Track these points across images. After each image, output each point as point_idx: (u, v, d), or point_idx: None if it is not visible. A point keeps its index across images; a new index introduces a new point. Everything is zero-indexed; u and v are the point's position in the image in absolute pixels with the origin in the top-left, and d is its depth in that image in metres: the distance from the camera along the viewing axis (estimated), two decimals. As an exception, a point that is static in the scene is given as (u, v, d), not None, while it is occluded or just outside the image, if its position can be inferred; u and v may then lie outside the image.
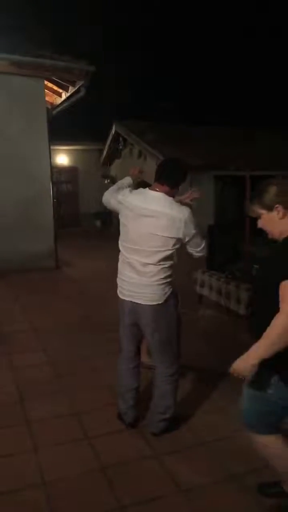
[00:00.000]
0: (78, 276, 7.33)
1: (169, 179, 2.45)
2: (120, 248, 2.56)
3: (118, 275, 2.60)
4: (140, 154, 11.60)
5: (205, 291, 5.28)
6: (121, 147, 13.05)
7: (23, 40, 7.31)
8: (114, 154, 13.80)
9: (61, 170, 13.96)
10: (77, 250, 9.65)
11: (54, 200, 8.16)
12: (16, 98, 7.35)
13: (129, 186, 2.72)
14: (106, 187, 11.36)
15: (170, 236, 2.38)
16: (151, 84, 18.19)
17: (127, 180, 2.80)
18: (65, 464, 2.39)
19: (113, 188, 2.73)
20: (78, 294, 6.19)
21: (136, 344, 2.70)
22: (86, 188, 14.32)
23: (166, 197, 2.41)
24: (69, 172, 14.34)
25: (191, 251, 2.51)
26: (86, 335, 4.39)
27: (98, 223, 13.86)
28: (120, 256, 2.58)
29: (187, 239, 2.42)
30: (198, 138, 11.72)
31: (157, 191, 2.43)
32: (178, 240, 2.42)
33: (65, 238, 9.46)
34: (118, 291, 2.61)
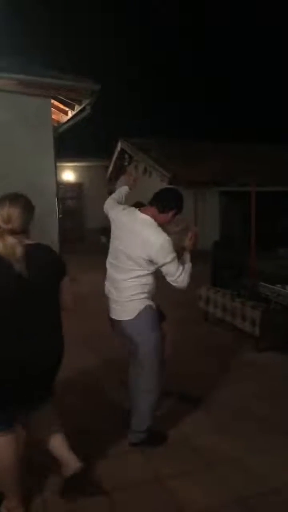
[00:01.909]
0: (83, 292, 7.31)
1: (158, 203, 2.53)
2: (107, 264, 2.68)
3: (105, 291, 2.72)
4: (145, 171, 11.70)
5: (210, 308, 5.24)
6: (126, 163, 13.18)
7: (29, 59, 7.47)
8: (119, 171, 13.93)
9: (67, 186, 14.09)
10: (81, 266, 9.65)
11: (60, 216, 8.20)
12: (23, 116, 7.47)
13: (125, 195, 2.92)
14: (111, 204, 11.01)
15: (141, 256, 2.43)
16: (155, 99, 18.46)
17: (125, 189, 2.96)
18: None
19: (113, 197, 2.87)
20: (83, 309, 6.15)
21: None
22: (91, 204, 14.41)
23: (150, 220, 2.48)
24: (75, 188, 14.48)
25: (167, 279, 2.51)
26: (86, 352, 4.36)
27: (103, 238, 13.89)
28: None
29: (158, 265, 2.45)
30: (204, 153, 11.80)
31: (145, 213, 2.51)
32: (149, 263, 2.45)
33: (70, 253, 9.45)
34: (109, 311, 2.69)
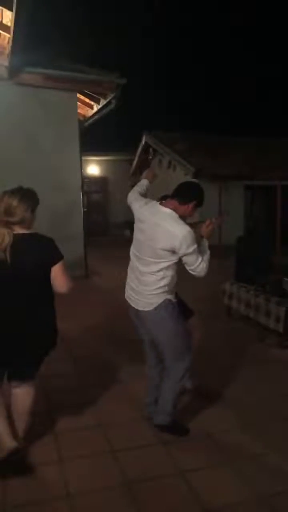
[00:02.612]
0: (107, 286, 7.37)
1: (179, 195, 2.58)
2: (130, 253, 2.75)
3: (127, 279, 2.77)
4: (169, 164, 11.64)
5: (233, 303, 5.20)
6: (150, 157, 13.15)
7: (55, 54, 7.52)
8: (143, 165, 13.91)
9: (92, 180, 14.19)
10: (106, 259, 9.73)
11: (85, 209, 8.28)
12: (50, 110, 7.55)
13: (147, 187, 3.01)
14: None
15: (164, 248, 2.48)
16: (180, 94, 18.29)
17: (145, 182, 3.05)
18: (90, 477, 2.39)
19: (136, 190, 2.95)
20: (106, 303, 6.21)
21: (153, 343, 2.76)
22: (115, 197, 14.49)
23: (172, 213, 2.53)
24: (100, 182, 14.57)
25: (187, 268, 2.57)
26: (115, 346, 4.40)
27: (127, 232, 13.95)
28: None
29: (179, 255, 2.50)
30: (228, 148, 11.64)
31: (166, 206, 2.56)
32: (172, 254, 2.50)
33: (94, 247, 9.56)
34: (125, 295, 2.78)
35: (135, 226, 2.72)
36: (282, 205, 9.43)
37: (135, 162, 14.02)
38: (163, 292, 2.57)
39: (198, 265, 2.52)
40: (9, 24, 6.13)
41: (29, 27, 5.38)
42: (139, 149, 13.44)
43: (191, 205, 2.57)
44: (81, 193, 8.01)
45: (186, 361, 2.65)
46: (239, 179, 10.26)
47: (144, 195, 2.93)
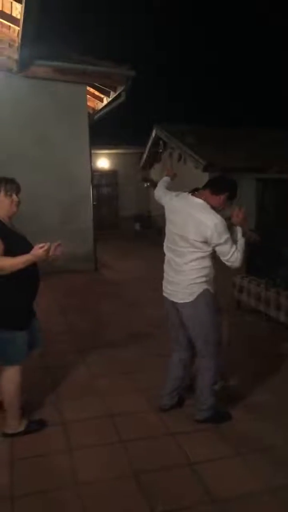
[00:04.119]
0: (117, 279, 7.39)
1: (211, 185, 2.60)
2: (164, 249, 2.75)
3: (164, 275, 2.78)
4: (180, 158, 11.55)
5: (243, 297, 5.16)
6: (161, 150, 13.06)
7: (65, 47, 7.49)
8: (153, 158, 13.83)
9: (102, 173, 14.15)
10: (115, 253, 9.74)
11: (94, 203, 8.28)
12: (59, 103, 7.54)
13: (169, 184, 3.11)
14: (145, 191, 11.56)
15: (196, 239, 2.50)
16: (190, 86, 18.12)
17: (167, 179, 3.19)
18: (99, 467, 2.40)
19: (161, 185, 3.05)
20: (117, 296, 6.23)
21: (184, 337, 2.77)
22: (125, 191, 14.44)
23: (204, 204, 2.54)
24: (109, 175, 14.52)
25: (221, 258, 2.57)
26: (122, 337, 4.41)
27: (137, 226, 13.93)
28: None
29: (212, 245, 2.50)
30: (239, 140, 11.50)
31: (198, 197, 2.58)
32: (205, 244, 2.51)
33: (104, 240, 9.57)
34: (163, 291, 2.79)
35: (167, 218, 2.73)
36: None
37: (145, 155, 13.93)
38: (203, 282, 2.58)
39: (232, 255, 2.51)
40: (18, 16, 6.11)
41: (39, 20, 5.36)
42: (149, 142, 13.34)
43: (223, 196, 2.57)
44: (90, 187, 8.00)
45: (216, 357, 2.68)
46: (250, 172, 10.13)
47: (170, 189, 2.98)
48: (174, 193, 2.78)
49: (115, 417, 2.88)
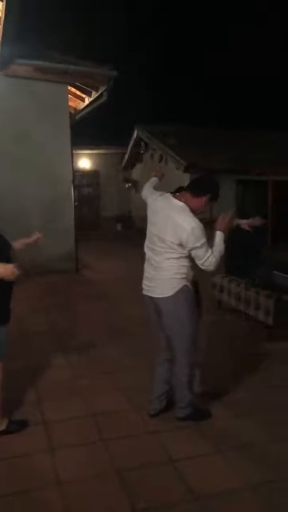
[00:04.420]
0: (98, 279, 7.39)
1: (192, 187, 2.61)
2: (144, 248, 2.78)
3: (144, 274, 2.79)
4: (161, 158, 11.62)
5: (224, 297, 5.24)
6: (142, 151, 13.11)
7: (46, 46, 7.45)
8: (135, 158, 13.87)
9: (83, 173, 14.10)
10: (97, 253, 9.73)
11: (76, 203, 8.24)
12: (40, 103, 7.48)
13: (156, 184, 3.13)
14: (127, 191, 11.56)
15: (173, 241, 2.53)
16: (172, 87, 18.22)
17: (155, 179, 3.20)
18: (81, 465, 2.41)
19: (149, 185, 3.06)
20: (98, 296, 6.23)
21: (165, 336, 2.78)
22: (107, 191, 14.43)
23: (183, 206, 2.56)
24: (91, 175, 14.48)
25: (196, 261, 2.59)
26: (104, 337, 4.42)
27: (118, 226, 13.94)
28: None
29: (188, 248, 2.52)
30: (220, 142, 11.64)
31: (178, 198, 2.60)
32: (181, 247, 2.53)
33: (85, 241, 9.54)
34: (143, 289, 2.79)
35: (149, 219, 2.75)
36: (274, 201, 9.50)
37: (126, 156, 13.96)
38: (182, 278, 2.61)
39: (206, 260, 2.52)
40: (-1, 14, 6.05)
41: (20, 19, 5.32)
42: (131, 143, 13.38)
43: (204, 199, 2.58)
44: (72, 186, 7.97)
45: (194, 353, 2.70)
46: (230, 173, 10.27)
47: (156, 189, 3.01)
48: (159, 193, 2.79)
49: (97, 417, 2.89)
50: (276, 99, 17.87)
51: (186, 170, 9.93)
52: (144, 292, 2.77)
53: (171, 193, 2.71)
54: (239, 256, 5.48)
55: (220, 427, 2.78)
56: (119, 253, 9.97)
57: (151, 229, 2.70)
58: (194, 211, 2.56)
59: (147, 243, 2.76)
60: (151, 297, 2.71)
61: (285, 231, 9.11)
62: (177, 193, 2.67)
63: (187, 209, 2.54)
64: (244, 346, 4.23)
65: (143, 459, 2.46)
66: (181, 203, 2.56)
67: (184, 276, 2.61)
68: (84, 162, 14.39)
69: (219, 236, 2.60)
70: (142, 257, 2.83)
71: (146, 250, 2.77)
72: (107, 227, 13.85)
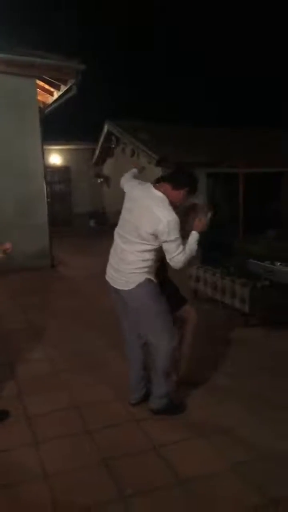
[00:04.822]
0: (73, 275, 7.33)
1: (172, 180, 2.60)
2: (114, 234, 2.73)
3: (109, 259, 2.77)
4: (133, 153, 11.61)
5: (200, 286, 5.31)
6: (113, 146, 13.05)
7: (14, 39, 7.28)
8: (106, 153, 13.80)
9: (54, 170, 13.92)
10: (71, 250, 9.65)
11: (48, 200, 8.14)
12: (8, 97, 7.33)
13: (136, 176, 3.02)
14: (99, 187, 11.55)
15: (147, 231, 2.51)
16: (143, 83, 18.21)
17: (135, 170, 3.09)
18: (67, 457, 2.40)
19: (128, 174, 2.97)
20: (74, 292, 6.19)
21: (132, 321, 2.77)
22: (79, 187, 14.31)
23: (163, 198, 2.54)
24: (62, 172, 14.32)
25: (166, 256, 2.56)
26: (83, 331, 4.40)
27: (92, 222, 13.85)
28: None
29: (160, 240, 2.50)
30: (190, 137, 11.75)
31: (158, 189, 2.58)
32: (154, 238, 2.51)
33: (58, 238, 9.43)
34: (106, 276, 2.76)
35: (124, 206, 2.71)
36: (244, 193, 9.66)
37: (97, 151, 13.87)
38: (144, 272, 2.58)
39: (176, 255, 2.50)
40: None
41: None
42: (101, 138, 13.31)
43: (183, 192, 2.58)
44: (44, 182, 7.86)
45: (168, 340, 2.61)
46: (201, 167, 10.37)
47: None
48: (138, 181, 2.77)
49: (80, 408, 2.89)
50: (255, 96, 18.14)
51: (158, 164, 9.97)
52: (107, 279, 2.75)
53: (151, 183, 2.69)
54: (213, 247, 5.58)
55: (202, 414, 2.82)
56: (93, 249, 9.90)
57: (125, 216, 2.66)
58: (172, 204, 2.55)
59: (118, 230, 2.71)
60: (115, 287, 2.69)
61: (256, 224, 9.32)
62: (157, 184, 2.65)
63: (167, 201, 2.53)
64: (221, 333, 4.30)
65: (127, 447, 2.48)
66: (161, 194, 2.54)
67: (146, 270, 2.59)
68: (55, 158, 14.20)
69: (194, 236, 2.59)
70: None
71: (115, 236, 2.72)
72: (80, 223, 13.75)
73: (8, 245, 2.87)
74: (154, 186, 2.62)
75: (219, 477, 2.23)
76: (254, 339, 4.12)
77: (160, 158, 9.99)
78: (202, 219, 2.64)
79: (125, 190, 2.79)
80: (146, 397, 2.87)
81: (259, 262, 4.61)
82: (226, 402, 2.95)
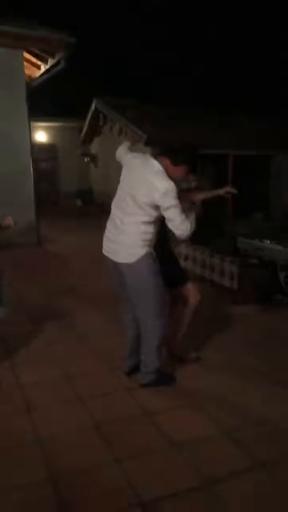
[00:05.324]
0: (61, 252, 7.29)
1: (172, 155, 2.54)
2: (112, 205, 2.69)
3: (105, 232, 2.72)
4: (121, 131, 11.46)
5: (189, 265, 5.34)
6: (101, 124, 12.85)
7: (1, 10, 7.02)
8: (94, 132, 13.58)
9: (40, 147, 13.65)
10: (58, 228, 9.55)
11: (35, 176, 8.00)
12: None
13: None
14: (87, 166, 11.37)
15: (145, 201, 2.48)
16: (132, 61, 17.87)
17: (128, 143, 2.99)
18: (59, 423, 2.43)
19: (124, 147, 2.90)
20: (63, 268, 6.16)
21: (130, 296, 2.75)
22: (65, 166, 14.09)
23: (162, 171, 2.49)
24: (48, 149, 14.05)
25: (169, 225, 2.54)
26: (73, 305, 4.41)
27: (79, 202, 13.71)
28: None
29: (161, 208, 2.47)
30: (178, 117, 11.62)
31: (159, 162, 2.53)
32: (153, 208, 2.49)
33: (45, 217, 9.31)
34: (103, 248, 2.73)
35: (122, 175, 2.66)
36: (233, 175, 9.67)
37: (85, 129, 13.63)
38: (145, 245, 2.56)
39: (181, 222, 2.46)
40: None
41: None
42: (89, 116, 13.06)
43: (183, 168, 2.56)
44: (31, 159, 7.71)
45: (161, 319, 2.64)
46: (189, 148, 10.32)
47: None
48: (136, 153, 2.71)
49: (73, 378, 2.91)
50: (231, 79, 17.97)
51: (147, 143, 9.87)
52: (105, 253, 2.70)
53: (151, 155, 2.64)
54: (202, 228, 5.59)
55: (194, 383, 2.87)
56: (80, 228, 9.84)
57: (124, 186, 2.62)
58: (172, 178, 2.50)
59: (115, 201, 2.66)
60: (113, 261, 2.65)
61: (243, 207, 9.35)
62: (158, 157, 2.58)
63: (165, 173, 2.49)
64: (211, 310, 4.34)
65: (120, 414, 2.52)
66: (161, 168, 2.50)
67: (147, 243, 2.57)
68: (41, 136, 13.92)
69: (191, 214, 2.61)
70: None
71: (113, 207, 2.66)
72: (67, 202, 13.59)
73: (9, 220, 2.82)
74: (154, 159, 2.56)
75: (211, 442, 2.29)
76: (243, 316, 4.18)
77: (149, 137, 9.88)
78: (196, 208, 2.67)
79: (123, 161, 2.73)
80: (139, 366, 2.89)
81: (248, 240, 4.64)
82: (218, 373, 3.01)
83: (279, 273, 4.43)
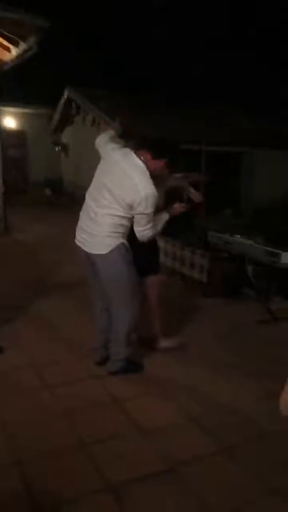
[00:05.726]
0: (30, 241, 7.14)
1: (153, 148, 2.54)
2: (86, 196, 2.65)
3: (78, 222, 2.70)
4: (94, 122, 11.31)
5: (160, 257, 5.35)
6: (73, 113, 12.63)
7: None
8: (66, 121, 13.33)
9: (8, 133, 13.24)
10: (26, 218, 9.34)
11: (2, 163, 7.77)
12: None
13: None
14: (57, 155, 11.20)
15: (124, 199, 2.48)
16: (105, 51, 17.65)
17: (112, 132, 2.94)
18: (27, 410, 2.39)
19: (105, 135, 2.84)
20: (31, 257, 6.05)
21: (103, 292, 2.74)
22: (35, 154, 13.76)
23: (144, 169, 2.49)
24: (16, 136, 13.65)
25: (134, 227, 2.58)
26: (42, 293, 4.33)
27: (48, 191, 13.44)
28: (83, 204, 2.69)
29: (135, 212, 2.50)
30: (153, 110, 11.62)
31: (140, 158, 2.51)
32: (129, 207, 2.50)
33: (12, 206, 9.08)
34: (75, 238, 2.71)
35: (100, 167, 2.61)
36: (206, 170, 9.75)
37: (56, 118, 13.36)
38: (119, 236, 2.55)
39: (144, 229, 2.54)
40: None
41: None
42: (61, 104, 12.81)
43: (163, 162, 2.54)
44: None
45: (133, 308, 2.66)
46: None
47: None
48: (117, 145, 2.66)
49: (40, 366, 2.87)
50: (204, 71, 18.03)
51: (122, 136, 9.79)
52: (78, 244, 2.68)
53: (131, 149, 2.61)
54: (173, 222, 5.63)
55: (165, 373, 2.89)
56: (49, 217, 9.68)
57: (101, 178, 2.57)
58: (151, 173, 2.50)
59: (91, 191, 2.63)
60: (86, 251, 2.64)
61: (214, 202, 9.47)
62: (137, 151, 2.56)
63: (147, 172, 2.48)
64: (180, 303, 4.39)
65: (88, 401, 2.51)
66: (142, 165, 2.48)
67: (121, 234, 2.57)
68: (9, 121, 13.52)
69: (164, 217, 2.68)
70: (76, 223, 2.75)
71: (88, 198, 2.63)
72: (36, 191, 13.28)
73: None
74: (135, 153, 2.53)
75: (179, 429, 2.32)
76: (212, 308, 4.24)
77: (124, 130, 9.81)
78: (181, 207, 2.72)
79: (102, 151, 2.67)
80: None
81: (218, 234, 4.71)
82: (188, 364, 3.03)
83: (247, 267, 4.53)
